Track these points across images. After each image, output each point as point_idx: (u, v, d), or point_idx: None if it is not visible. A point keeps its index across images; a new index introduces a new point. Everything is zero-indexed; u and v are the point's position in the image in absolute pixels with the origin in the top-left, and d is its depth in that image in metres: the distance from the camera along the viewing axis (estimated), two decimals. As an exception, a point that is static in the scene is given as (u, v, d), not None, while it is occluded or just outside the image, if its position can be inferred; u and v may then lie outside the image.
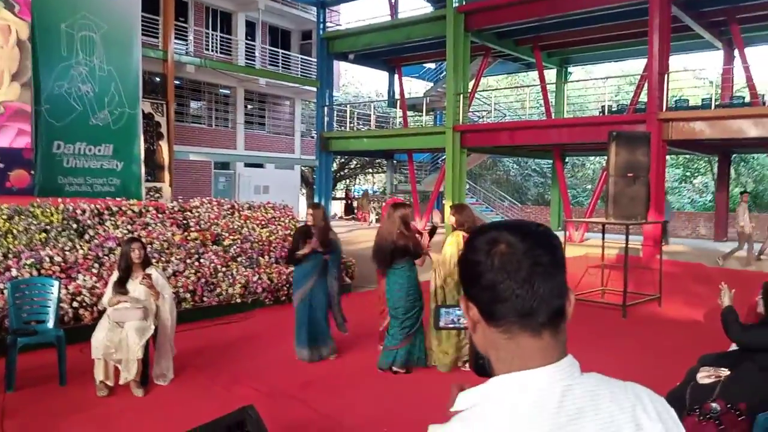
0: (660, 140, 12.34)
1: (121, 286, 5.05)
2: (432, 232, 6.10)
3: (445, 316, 1.36)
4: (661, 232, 12.30)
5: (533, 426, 0.86)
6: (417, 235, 5.82)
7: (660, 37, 12.46)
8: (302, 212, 26.63)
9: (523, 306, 0.91)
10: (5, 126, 10.45)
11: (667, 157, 15.06)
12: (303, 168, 26.13)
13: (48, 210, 7.75)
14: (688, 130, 12.47)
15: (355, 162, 30.85)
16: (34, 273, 6.51)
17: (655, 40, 12.49)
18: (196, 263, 8.11)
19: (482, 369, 1.27)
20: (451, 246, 5.72)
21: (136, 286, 5.05)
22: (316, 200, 20.39)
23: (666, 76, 12.66)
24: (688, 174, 29.76)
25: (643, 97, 14.16)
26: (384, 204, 6.56)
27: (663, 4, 12.41)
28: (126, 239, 5.51)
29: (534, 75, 22.73)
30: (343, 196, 27.48)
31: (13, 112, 10.57)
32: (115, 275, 5.15)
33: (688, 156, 25.64)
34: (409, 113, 22.30)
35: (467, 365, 5.63)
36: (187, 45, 18.24)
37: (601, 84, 18.97)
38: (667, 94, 12.84)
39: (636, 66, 24.91)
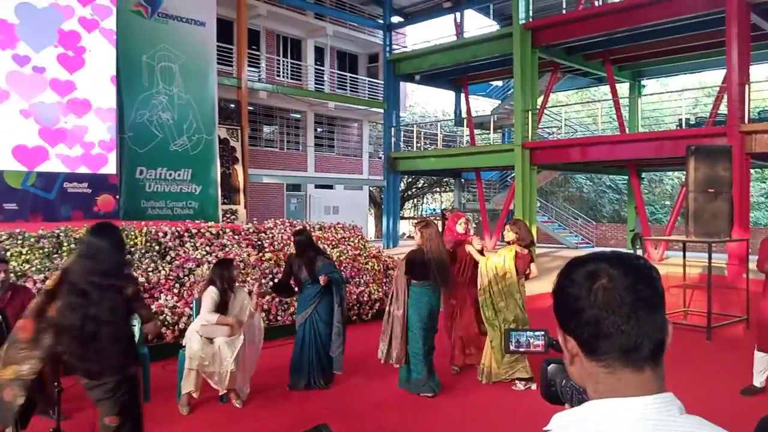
0: (742, 153, 11.79)
1: (222, 309, 5.11)
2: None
3: (516, 339, 1.34)
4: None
5: None
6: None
7: (739, 46, 11.93)
8: (371, 232, 26.94)
9: (627, 342, 0.90)
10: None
11: (752, 170, 14.34)
12: (371, 188, 26.41)
13: (133, 233, 8.15)
14: (774, 142, 11.87)
15: (422, 181, 30.91)
16: (120, 293, 6.82)
17: (734, 50, 11.98)
18: (271, 283, 8.31)
19: (554, 396, 1.26)
20: (500, 258, 5.66)
21: (232, 305, 5.20)
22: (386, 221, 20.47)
23: (747, 86, 12.11)
24: (774, 188, 28.20)
25: (723, 110, 13.58)
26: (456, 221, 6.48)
27: (741, 12, 11.90)
28: (221, 261, 5.57)
29: (605, 89, 22.21)
30: (440, 215, 27.41)
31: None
32: (213, 298, 5.09)
33: (774, 169, 24.35)
34: (476, 131, 22.21)
35: (519, 384, 5.53)
36: (259, 72, 18.91)
37: (677, 97, 18.29)
38: (749, 105, 12.27)
39: (714, 77, 23.93)
